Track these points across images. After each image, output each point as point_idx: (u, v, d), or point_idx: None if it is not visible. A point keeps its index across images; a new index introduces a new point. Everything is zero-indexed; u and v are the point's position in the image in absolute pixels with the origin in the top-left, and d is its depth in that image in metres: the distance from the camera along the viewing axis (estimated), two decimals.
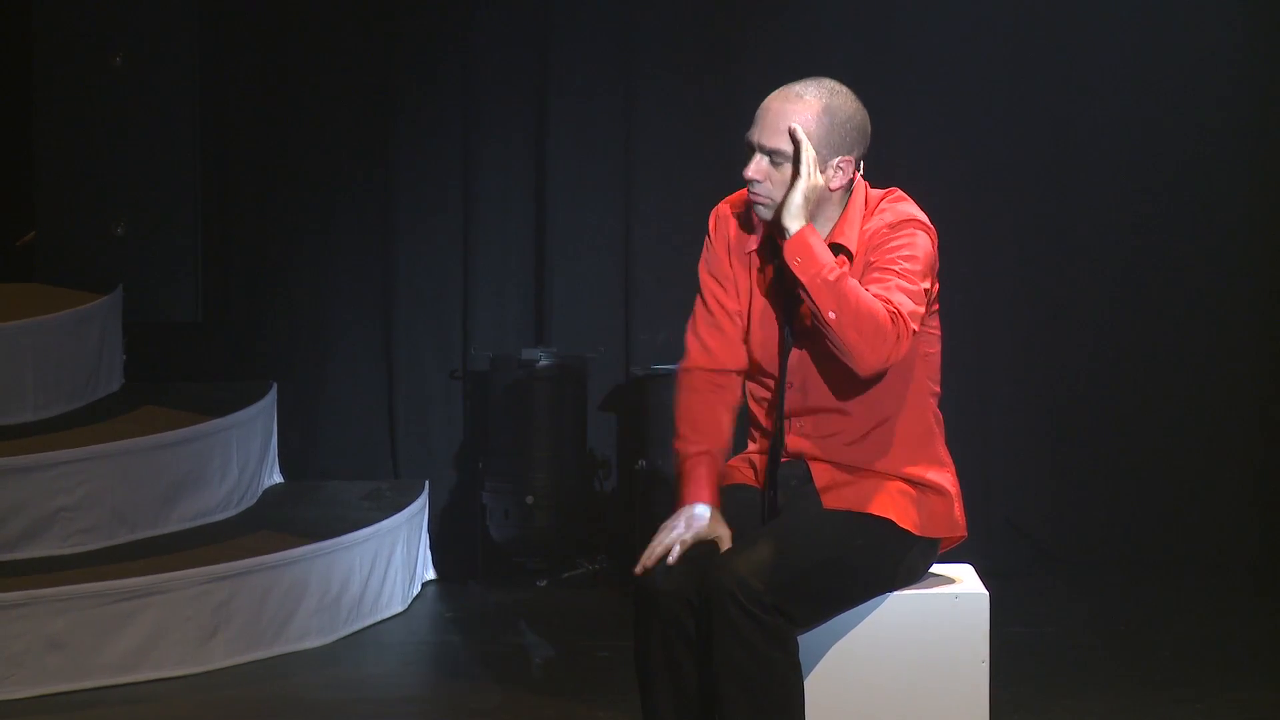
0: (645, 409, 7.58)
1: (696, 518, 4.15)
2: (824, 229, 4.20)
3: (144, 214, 7.86)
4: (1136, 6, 7.79)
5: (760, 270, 4.27)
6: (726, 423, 4.29)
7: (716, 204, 4.37)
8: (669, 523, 4.15)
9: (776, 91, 4.19)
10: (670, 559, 4.07)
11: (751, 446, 4.38)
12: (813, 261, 4.06)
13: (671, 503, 4.22)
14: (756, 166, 4.16)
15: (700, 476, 4.21)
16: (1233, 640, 6.69)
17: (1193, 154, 7.81)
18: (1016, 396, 7.86)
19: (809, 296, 4.05)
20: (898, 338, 4.05)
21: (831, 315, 4.03)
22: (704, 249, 4.35)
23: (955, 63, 7.79)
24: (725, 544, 4.12)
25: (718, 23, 7.89)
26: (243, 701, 5.99)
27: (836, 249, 4.18)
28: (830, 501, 4.21)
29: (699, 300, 4.34)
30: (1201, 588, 7.47)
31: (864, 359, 4.06)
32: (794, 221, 4.09)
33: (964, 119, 7.82)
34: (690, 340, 4.35)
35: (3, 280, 7.81)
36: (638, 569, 4.12)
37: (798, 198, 4.10)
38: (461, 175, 7.96)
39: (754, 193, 4.17)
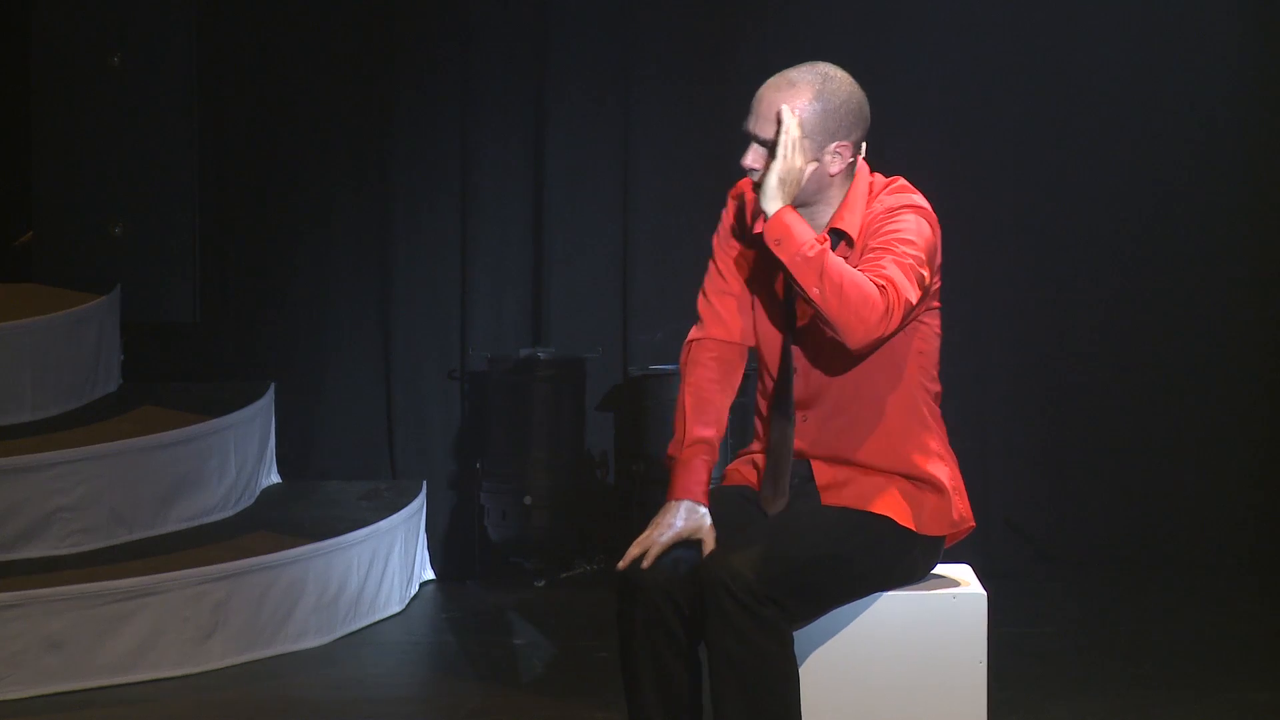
0: (643, 409, 7.58)
1: (685, 516, 4.14)
2: (825, 214, 4.19)
3: (142, 214, 7.85)
4: (1137, 5, 7.78)
5: (763, 256, 4.22)
6: (726, 406, 4.28)
7: (724, 191, 4.36)
8: (658, 519, 4.15)
9: (771, 79, 4.18)
10: (645, 562, 4.07)
11: (755, 445, 4.36)
12: (791, 241, 4.02)
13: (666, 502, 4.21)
14: (754, 155, 4.15)
15: (695, 469, 4.20)
16: (1233, 640, 6.68)
17: (1193, 153, 7.81)
18: (1016, 396, 7.85)
19: (791, 276, 4.03)
20: (887, 308, 4.00)
21: (815, 291, 3.99)
22: (721, 220, 4.34)
23: (954, 63, 7.79)
24: (709, 546, 4.12)
25: (716, 23, 7.88)
26: (240, 702, 5.98)
27: (838, 235, 4.17)
28: (829, 499, 4.20)
29: (711, 266, 4.33)
30: (1201, 588, 7.46)
31: (852, 331, 4.00)
32: (771, 203, 4.06)
33: (963, 120, 7.81)
34: (703, 307, 4.33)
35: (0, 280, 7.80)
36: (620, 563, 4.12)
37: (772, 180, 4.06)
38: (460, 175, 7.95)
39: (755, 181, 4.16)
